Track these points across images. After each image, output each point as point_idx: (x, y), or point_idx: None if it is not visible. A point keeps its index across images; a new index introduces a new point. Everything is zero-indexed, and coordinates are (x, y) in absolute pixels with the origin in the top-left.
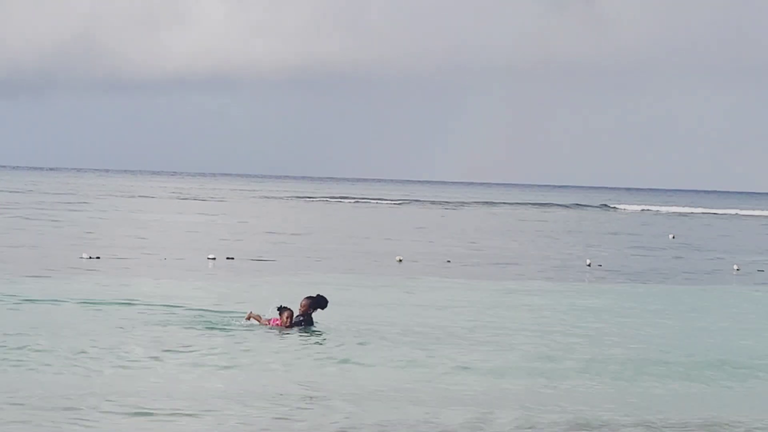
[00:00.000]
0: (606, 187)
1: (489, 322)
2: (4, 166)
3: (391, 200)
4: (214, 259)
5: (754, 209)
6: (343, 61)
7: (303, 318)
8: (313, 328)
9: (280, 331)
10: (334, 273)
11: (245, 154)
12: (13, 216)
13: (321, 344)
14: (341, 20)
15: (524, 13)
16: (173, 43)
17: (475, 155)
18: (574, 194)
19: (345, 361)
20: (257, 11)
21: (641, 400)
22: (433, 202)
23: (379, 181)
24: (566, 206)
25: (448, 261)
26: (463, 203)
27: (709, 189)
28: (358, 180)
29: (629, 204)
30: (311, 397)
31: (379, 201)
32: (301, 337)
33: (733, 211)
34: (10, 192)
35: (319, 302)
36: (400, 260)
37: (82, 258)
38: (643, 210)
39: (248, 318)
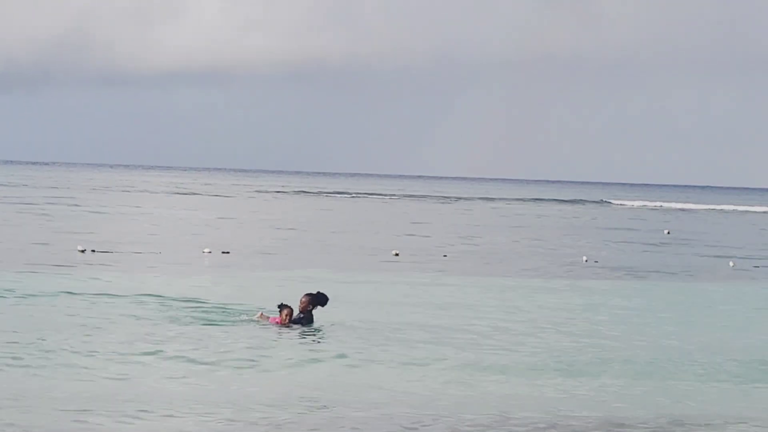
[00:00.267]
0: (603, 183)
1: (487, 318)
2: None
3: (387, 195)
4: (209, 252)
5: (751, 205)
6: (338, 56)
7: (303, 315)
8: (313, 326)
9: (279, 329)
10: (331, 267)
11: (240, 149)
12: (5, 210)
13: (321, 342)
14: (336, 15)
15: (520, 7)
16: (168, 37)
17: (472, 150)
18: (571, 189)
19: (345, 359)
20: (252, 6)
21: (641, 398)
22: (429, 197)
23: (375, 175)
24: (563, 201)
25: (445, 255)
26: (459, 198)
27: (706, 184)
28: (354, 174)
29: (627, 200)
30: (311, 397)
31: (374, 196)
32: (301, 335)
33: (729, 207)
34: (3, 186)
35: (319, 299)
36: (397, 254)
37: (78, 251)
38: (640, 206)
39: (260, 317)
